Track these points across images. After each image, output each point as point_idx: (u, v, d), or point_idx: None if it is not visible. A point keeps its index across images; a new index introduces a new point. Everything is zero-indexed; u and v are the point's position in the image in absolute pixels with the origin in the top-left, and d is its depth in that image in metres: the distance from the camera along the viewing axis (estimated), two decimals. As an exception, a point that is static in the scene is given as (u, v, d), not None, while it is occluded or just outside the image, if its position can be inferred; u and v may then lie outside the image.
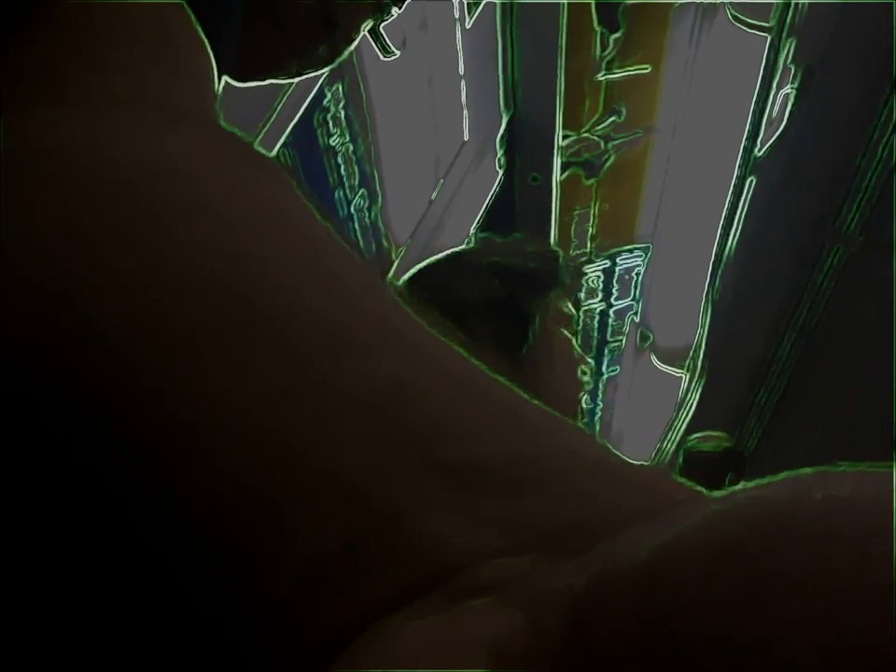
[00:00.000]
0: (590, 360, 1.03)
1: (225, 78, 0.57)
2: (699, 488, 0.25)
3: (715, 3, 2.58)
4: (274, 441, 0.24)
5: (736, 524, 0.18)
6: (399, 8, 0.66)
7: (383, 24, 0.66)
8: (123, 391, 0.24)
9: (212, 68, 0.40)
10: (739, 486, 0.20)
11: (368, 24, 0.65)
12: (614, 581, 0.19)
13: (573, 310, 1.04)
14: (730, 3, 2.58)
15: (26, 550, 0.24)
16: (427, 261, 1.03)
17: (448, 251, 1.05)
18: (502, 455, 0.24)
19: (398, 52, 0.69)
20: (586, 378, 1.00)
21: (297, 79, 0.66)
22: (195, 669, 0.23)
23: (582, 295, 3.60)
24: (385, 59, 0.70)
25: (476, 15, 2.32)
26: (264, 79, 0.64)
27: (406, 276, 1.02)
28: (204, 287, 0.26)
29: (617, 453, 0.27)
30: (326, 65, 0.66)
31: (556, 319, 0.99)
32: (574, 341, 1.02)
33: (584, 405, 0.99)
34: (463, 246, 1.09)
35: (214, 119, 0.37)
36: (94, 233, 0.27)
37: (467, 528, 0.22)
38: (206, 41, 0.40)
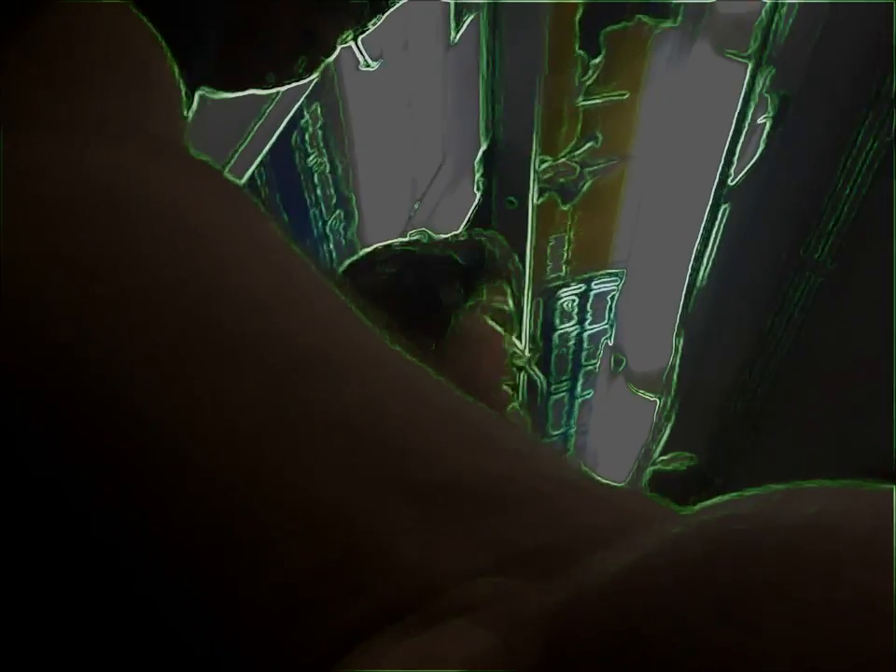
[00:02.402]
0: (524, 354, 1.04)
1: (203, 91, 0.57)
2: (671, 506, 0.25)
3: (696, 29, 2.60)
4: (251, 466, 0.24)
5: (704, 541, 0.18)
6: (378, 21, 0.67)
7: (361, 36, 0.66)
8: (100, 417, 0.24)
9: (182, 96, 0.41)
10: (708, 503, 0.20)
11: (347, 37, 0.65)
12: (586, 599, 0.19)
13: (509, 303, 1.03)
14: (710, 31, 2.61)
15: (9, 576, 0.24)
16: (356, 255, 1.06)
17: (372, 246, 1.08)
18: (477, 477, 0.24)
19: (375, 65, 0.71)
20: (517, 362, 1.00)
21: (275, 90, 0.67)
22: None
23: (557, 319, 3.61)
24: (364, 70, 0.71)
25: (458, 37, 2.33)
26: (243, 90, 0.64)
27: (340, 268, 1.04)
28: (180, 312, 0.26)
29: (591, 473, 0.27)
30: (304, 77, 0.66)
31: (481, 310, 0.99)
32: (506, 333, 1.02)
33: (517, 399, 1.00)
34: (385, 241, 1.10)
35: (184, 148, 0.37)
36: (72, 257, 0.27)
37: (442, 551, 0.22)
38: (178, 62, 0.40)
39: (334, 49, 0.65)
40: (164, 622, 0.23)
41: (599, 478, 0.27)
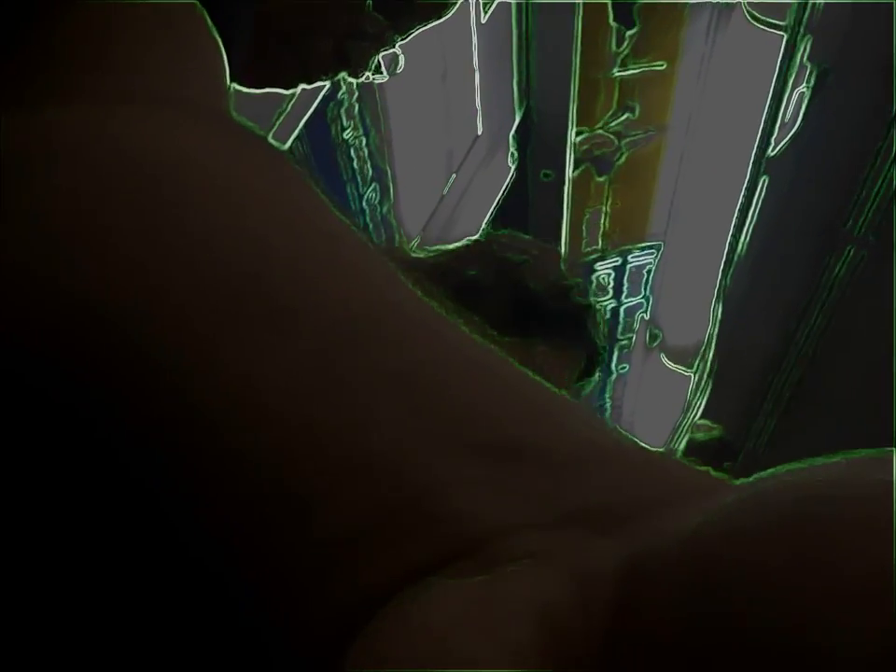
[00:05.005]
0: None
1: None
2: (721, 476, 0.25)
3: (732, 1, 2.56)
4: (299, 422, 0.24)
5: (785, 505, 0.18)
6: (404, 40, 0.70)
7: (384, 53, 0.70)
8: (148, 381, 0.24)
9: (224, 67, 0.41)
10: (777, 470, 0.20)
11: (375, 60, 0.68)
12: (660, 560, 0.18)
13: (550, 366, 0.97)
14: (746, 1, 2.57)
15: (46, 536, 0.25)
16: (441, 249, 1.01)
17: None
18: (528, 440, 0.24)
19: (386, 76, 0.74)
20: None
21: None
22: (219, 649, 0.23)
23: (592, 293, 3.59)
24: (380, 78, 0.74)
25: (492, 10, 2.32)
26: (270, 89, 0.67)
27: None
28: (224, 277, 0.26)
29: (637, 441, 0.27)
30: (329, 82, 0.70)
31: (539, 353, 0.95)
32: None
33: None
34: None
35: (228, 115, 0.37)
36: (110, 227, 0.27)
37: (499, 501, 0.22)
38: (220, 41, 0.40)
39: (364, 71, 0.69)
40: (211, 572, 0.23)
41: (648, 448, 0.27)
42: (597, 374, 0.97)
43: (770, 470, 0.20)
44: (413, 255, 0.98)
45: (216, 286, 0.26)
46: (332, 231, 0.30)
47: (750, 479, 0.20)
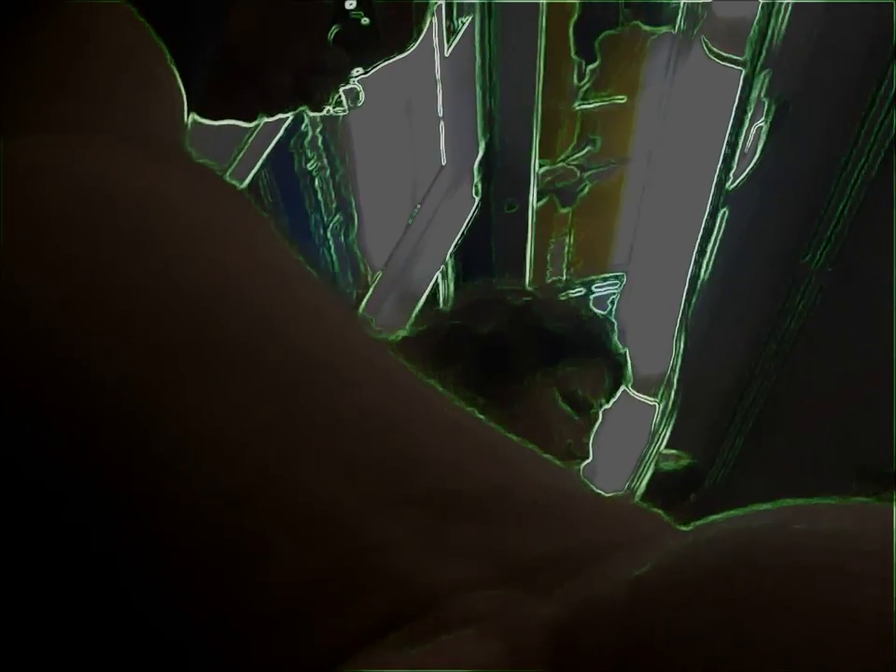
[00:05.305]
0: (585, 453, 0.96)
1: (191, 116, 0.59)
2: (668, 518, 0.25)
3: (692, 34, 2.61)
4: (248, 471, 0.23)
5: (720, 554, 0.18)
6: (366, 74, 0.70)
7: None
8: (96, 420, 0.24)
9: (182, 100, 0.41)
10: (716, 518, 0.20)
11: (336, 94, 0.69)
12: (595, 611, 0.19)
13: (580, 391, 0.95)
14: (705, 35, 2.62)
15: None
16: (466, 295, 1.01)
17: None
18: (479, 488, 0.24)
19: (347, 110, 0.74)
20: (575, 452, 0.96)
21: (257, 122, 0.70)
22: None
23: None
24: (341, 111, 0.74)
25: (455, 42, 2.34)
26: (231, 119, 0.67)
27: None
28: (180, 315, 0.26)
29: (591, 485, 0.27)
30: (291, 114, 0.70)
31: (554, 385, 0.94)
32: (570, 421, 0.94)
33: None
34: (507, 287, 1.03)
35: (184, 150, 0.37)
36: (69, 259, 0.26)
37: (444, 560, 0.22)
38: (179, 76, 0.41)
39: (325, 105, 0.69)
40: (152, 627, 0.23)
41: (596, 489, 0.27)
42: (627, 381, 0.99)
43: (715, 516, 0.20)
44: (417, 329, 0.98)
45: (171, 321, 0.26)
46: (288, 270, 0.30)
47: (697, 524, 0.21)
